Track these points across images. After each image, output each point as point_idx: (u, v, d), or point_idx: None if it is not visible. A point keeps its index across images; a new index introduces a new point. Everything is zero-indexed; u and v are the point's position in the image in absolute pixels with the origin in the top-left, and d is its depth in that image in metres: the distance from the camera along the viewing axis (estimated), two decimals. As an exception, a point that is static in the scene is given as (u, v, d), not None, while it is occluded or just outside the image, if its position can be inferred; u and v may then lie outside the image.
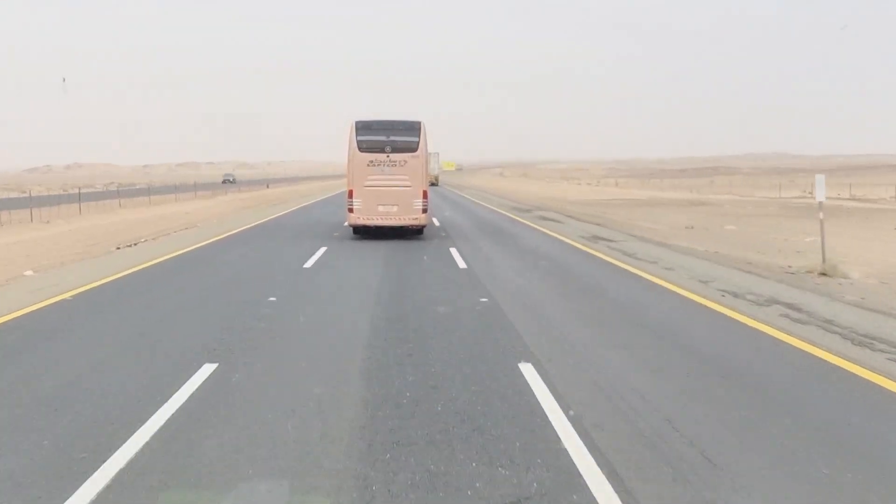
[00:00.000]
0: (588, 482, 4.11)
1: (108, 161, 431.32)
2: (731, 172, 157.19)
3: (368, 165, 19.26)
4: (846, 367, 6.45)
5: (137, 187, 57.23)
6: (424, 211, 19.53)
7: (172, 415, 5.22)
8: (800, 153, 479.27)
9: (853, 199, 46.76)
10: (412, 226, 19.72)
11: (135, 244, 18.07)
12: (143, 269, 13.35)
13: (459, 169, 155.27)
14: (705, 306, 9.44)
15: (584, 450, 4.54)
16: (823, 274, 11.77)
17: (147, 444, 4.67)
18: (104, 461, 4.40)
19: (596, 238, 19.24)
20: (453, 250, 16.24)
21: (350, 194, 19.55)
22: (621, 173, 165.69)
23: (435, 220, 18.07)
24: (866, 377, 6.15)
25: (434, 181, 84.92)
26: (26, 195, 37.22)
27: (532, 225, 24.00)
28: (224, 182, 79.18)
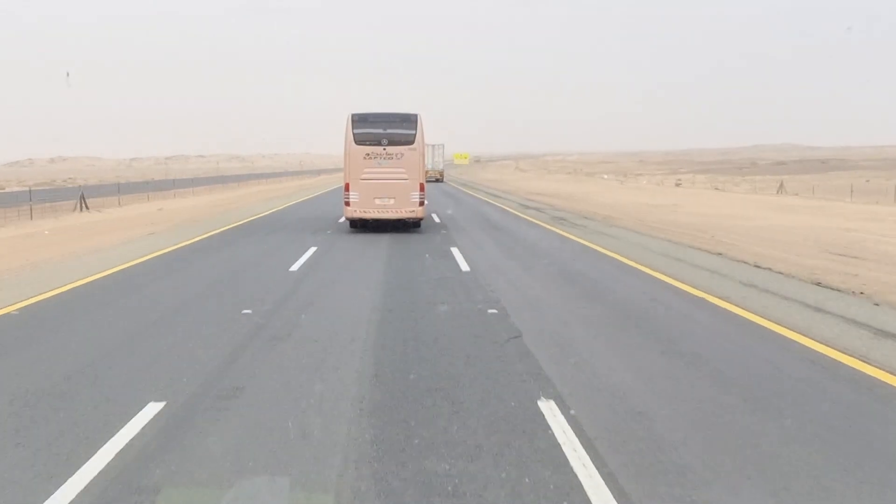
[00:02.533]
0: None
1: (93, 154, 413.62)
2: (846, 167, 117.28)
3: (365, 158, 19.45)
4: None
5: None
6: (422, 204, 20.10)
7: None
8: (810, 144, 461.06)
9: None
10: (409, 219, 20.19)
11: None
12: None
13: (477, 161, 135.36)
14: None
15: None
16: None
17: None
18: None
19: None
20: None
21: (347, 187, 19.78)
22: (659, 167, 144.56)
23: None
24: None
25: (438, 177, 72.03)
26: None
27: None
28: None
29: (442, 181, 73.57)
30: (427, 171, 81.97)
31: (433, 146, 73.35)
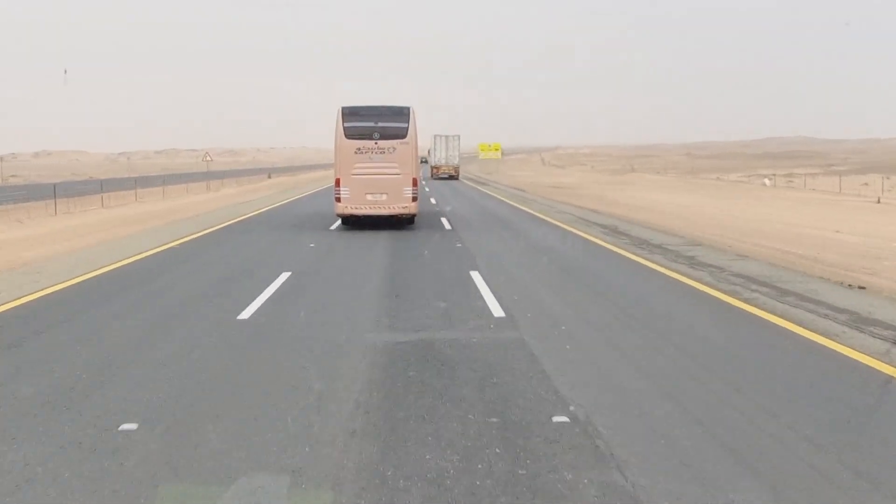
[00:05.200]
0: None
1: (79, 148, 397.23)
2: None
3: (356, 153, 19.10)
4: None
5: None
6: (415, 199, 19.53)
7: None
8: (826, 137, 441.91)
9: None
10: (402, 215, 19.63)
11: None
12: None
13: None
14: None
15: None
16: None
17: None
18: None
19: None
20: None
21: (337, 183, 19.41)
22: (738, 161, 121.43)
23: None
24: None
25: (453, 173, 61.27)
26: None
27: None
28: None
29: (457, 178, 61.79)
30: (439, 167, 64.06)
31: (446, 137, 61.84)
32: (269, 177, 74.60)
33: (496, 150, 77.00)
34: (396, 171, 18.87)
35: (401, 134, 19.00)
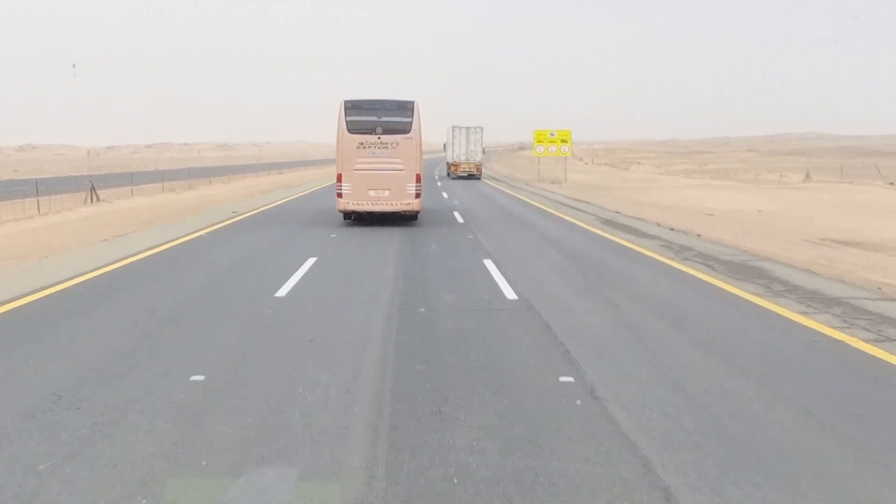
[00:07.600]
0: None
1: (65, 142, 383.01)
2: None
3: (358, 148, 19.05)
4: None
5: None
6: (418, 196, 19.36)
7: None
8: (841, 133, 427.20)
9: None
10: (405, 212, 19.65)
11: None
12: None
13: (522, 149, 73.16)
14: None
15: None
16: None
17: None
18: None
19: None
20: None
21: (339, 178, 19.35)
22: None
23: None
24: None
25: (474, 171, 53.43)
26: None
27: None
28: None
29: (478, 177, 53.38)
30: (458, 165, 51.06)
31: (467, 129, 52.96)
32: (95, 197, 29.84)
33: (563, 142, 50.42)
34: (399, 166, 19.02)
35: (404, 129, 19.09)
